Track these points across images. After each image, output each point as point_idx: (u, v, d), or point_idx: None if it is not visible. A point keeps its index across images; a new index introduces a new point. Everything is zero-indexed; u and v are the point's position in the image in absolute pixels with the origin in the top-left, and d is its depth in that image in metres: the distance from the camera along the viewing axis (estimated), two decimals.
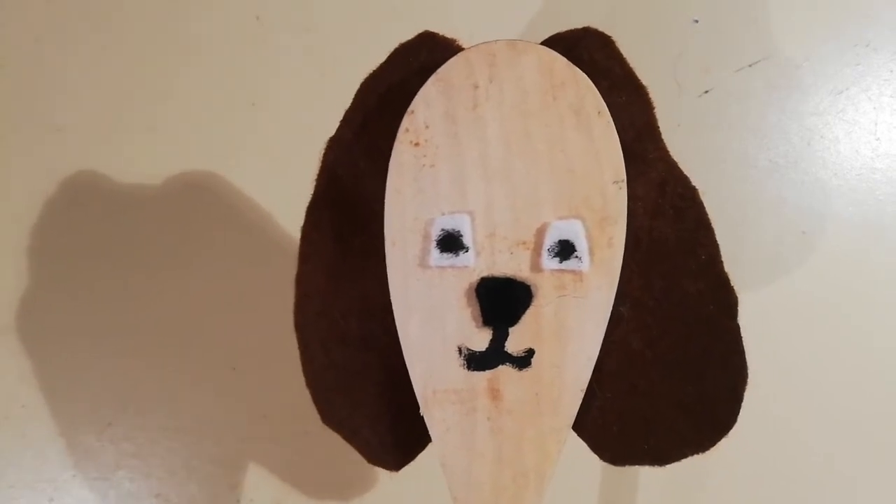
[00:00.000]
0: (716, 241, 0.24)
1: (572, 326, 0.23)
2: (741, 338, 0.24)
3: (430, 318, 0.24)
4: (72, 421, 0.38)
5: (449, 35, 0.24)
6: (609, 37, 0.24)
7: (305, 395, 0.37)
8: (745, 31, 0.38)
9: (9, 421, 0.38)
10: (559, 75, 0.23)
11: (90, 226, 0.39)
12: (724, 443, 0.35)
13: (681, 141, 0.37)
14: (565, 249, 0.23)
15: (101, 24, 0.41)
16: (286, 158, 0.39)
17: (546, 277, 0.23)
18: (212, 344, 0.38)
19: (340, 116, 0.35)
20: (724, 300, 0.24)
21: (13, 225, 0.40)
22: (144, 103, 0.40)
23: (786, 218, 0.36)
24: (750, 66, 0.38)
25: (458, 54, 0.23)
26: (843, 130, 0.37)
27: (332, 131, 0.38)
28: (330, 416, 0.26)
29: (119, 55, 0.41)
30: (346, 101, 0.39)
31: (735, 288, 0.24)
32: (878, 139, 0.37)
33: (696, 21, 0.38)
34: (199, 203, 0.39)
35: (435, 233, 0.23)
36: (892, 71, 0.37)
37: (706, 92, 0.37)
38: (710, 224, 0.24)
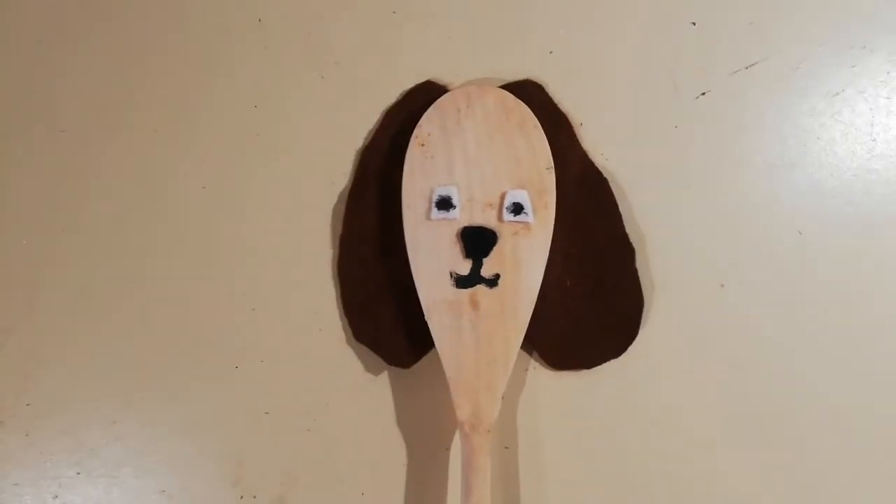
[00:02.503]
0: (619, 212, 0.36)
1: (523, 259, 0.35)
2: (638, 277, 0.36)
3: (431, 254, 0.35)
4: (76, 419, 0.38)
5: (442, 78, 0.38)
6: (542, 85, 0.38)
7: (307, 394, 0.37)
8: (742, 33, 0.38)
9: (14, 419, 0.38)
10: (510, 104, 0.36)
11: (93, 226, 0.40)
12: (724, 445, 0.35)
13: (678, 142, 0.38)
14: (517, 208, 0.35)
15: (103, 26, 0.41)
16: (288, 159, 0.39)
17: (505, 226, 0.35)
18: (215, 342, 0.38)
19: (340, 118, 0.39)
20: (625, 252, 0.36)
21: (17, 225, 0.40)
22: (147, 105, 0.40)
23: (782, 218, 0.37)
24: (747, 68, 0.38)
25: (447, 93, 0.37)
26: (839, 132, 0.37)
27: (332, 132, 0.40)
28: (361, 333, 0.37)
29: (122, 57, 0.41)
30: (346, 101, 0.40)
31: (633, 242, 0.36)
32: (874, 140, 0.37)
33: (694, 24, 0.38)
34: (201, 203, 0.39)
35: (434, 198, 0.35)
36: (888, 73, 0.37)
37: (703, 94, 0.38)
38: (615, 201, 0.36)
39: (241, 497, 0.37)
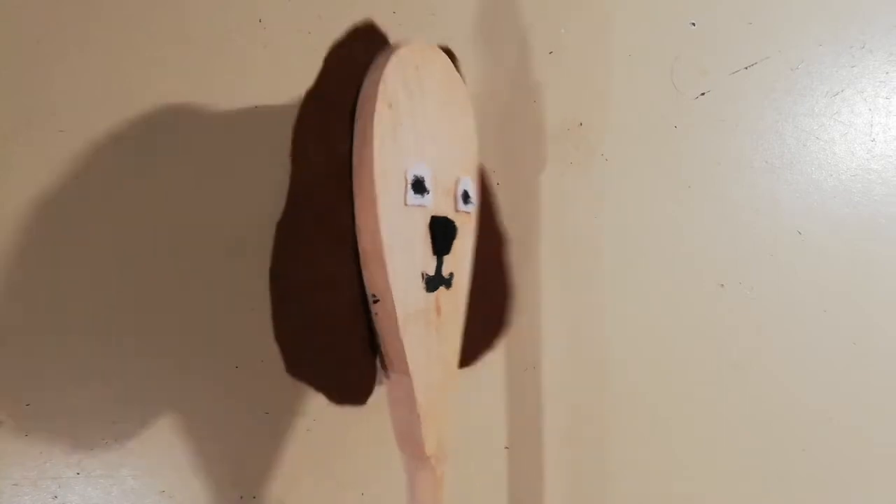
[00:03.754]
0: (496, 202, 0.34)
1: (463, 252, 0.29)
2: (511, 269, 0.34)
3: (406, 249, 0.27)
4: (76, 419, 0.38)
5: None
6: (454, 55, 0.32)
7: (307, 394, 0.37)
8: (742, 33, 0.38)
9: (13, 419, 0.38)
10: (453, 75, 0.30)
11: (94, 226, 0.40)
12: (724, 443, 0.35)
13: (677, 142, 0.38)
14: (466, 197, 0.29)
15: (102, 25, 0.41)
16: (287, 159, 0.39)
17: (460, 216, 0.29)
18: (215, 342, 0.38)
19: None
20: (502, 244, 0.34)
21: (17, 225, 0.40)
22: (147, 105, 0.40)
23: (781, 218, 0.37)
24: (746, 68, 0.38)
25: (405, 47, 0.28)
26: (838, 132, 0.37)
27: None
28: (297, 363, 0.28)
29: (121, 57, 0.41)
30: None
31: (509, 234, 0.35)
32: (873, 140, 0.37)
33: (693, 24, 0.38)
34: (203, 203, 0.39)
35: (410, 178, 0.27)
36: (887, 73, 0.37)
37: (703, 94, 0.38)
38: (493, 191, 0.34)
39: (241, 497, 0.37)
